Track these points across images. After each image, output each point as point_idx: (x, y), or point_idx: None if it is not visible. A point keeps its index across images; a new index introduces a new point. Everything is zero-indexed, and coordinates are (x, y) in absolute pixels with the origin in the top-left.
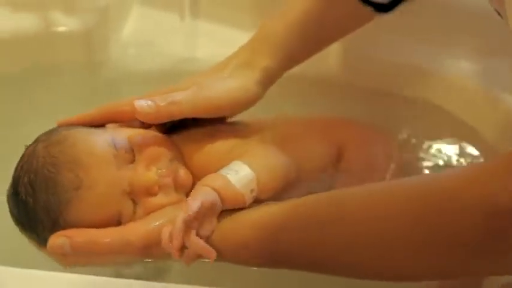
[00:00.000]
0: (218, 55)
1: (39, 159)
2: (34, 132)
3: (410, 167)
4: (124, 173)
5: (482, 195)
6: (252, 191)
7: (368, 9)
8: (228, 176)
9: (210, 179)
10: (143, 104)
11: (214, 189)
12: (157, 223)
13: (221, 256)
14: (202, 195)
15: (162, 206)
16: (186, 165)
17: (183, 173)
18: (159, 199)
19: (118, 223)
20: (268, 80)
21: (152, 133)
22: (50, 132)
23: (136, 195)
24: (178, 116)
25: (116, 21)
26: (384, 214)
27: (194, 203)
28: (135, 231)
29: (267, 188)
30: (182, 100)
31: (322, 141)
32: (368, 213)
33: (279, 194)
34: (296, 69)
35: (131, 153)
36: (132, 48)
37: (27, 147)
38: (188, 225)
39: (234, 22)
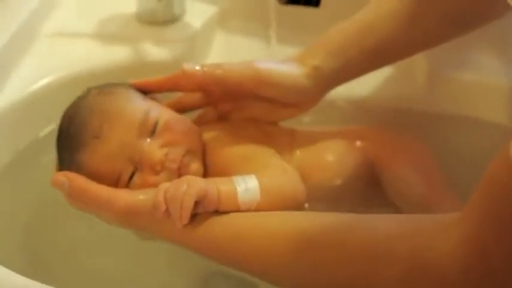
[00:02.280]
0: None
1: (85, 102)
2: None
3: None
4: (139, 142)
5: (410, 248)
6: (249, 208)
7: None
8: (237, 187)
9: (221, 181)
10: (190, 66)
11: (219, 191)
12: (143, 197)
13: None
14: (205, 184)
15: (156, 185)
16: (207, 160)
17: (194, 167)
18: (157, 178)
19: (116, 182)
20: (320, 78)
21: (187, 122)
22: (109, 85)
23: (140, 165)
24: (223, 82)
25: (202, 50)
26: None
27: (197, 182)
28: (123, 195)
29: (262, 210)
30: (228, 68)
31: (356, 163)
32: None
33: None
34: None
35: (155, 129)
36: None
37: (89, 88)
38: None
39: None
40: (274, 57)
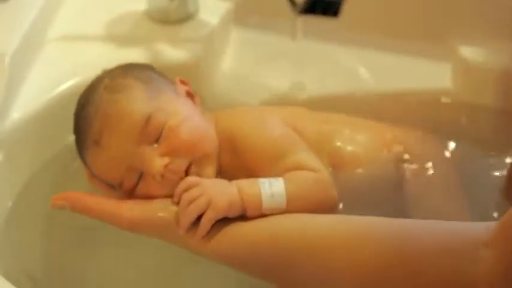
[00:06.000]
0: (325, 78)
1: (94, 95)
2: None
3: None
4: (139, 150)
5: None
6: (272, 213)
7: None
8: (263, 193)
9: (245, 185)
10: None
11: (242, 200)
12: (146, 209)
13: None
14: (227, 201)
15: (156, 195)
16: (231, 153)
17: (205, 175)
18: (160, 187)
19: (120, 185)
20: None
21: (198, 126)
22: (123, 72)
23: (143, 173)
24: None
25: (219, 48)
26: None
27: (218, 203)
28: (124, 210)
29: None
30: None
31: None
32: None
33: None
34: None
35: (159, 135)
36: (232, 76)
37: (105, 71)
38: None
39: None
40: (300, 52)
